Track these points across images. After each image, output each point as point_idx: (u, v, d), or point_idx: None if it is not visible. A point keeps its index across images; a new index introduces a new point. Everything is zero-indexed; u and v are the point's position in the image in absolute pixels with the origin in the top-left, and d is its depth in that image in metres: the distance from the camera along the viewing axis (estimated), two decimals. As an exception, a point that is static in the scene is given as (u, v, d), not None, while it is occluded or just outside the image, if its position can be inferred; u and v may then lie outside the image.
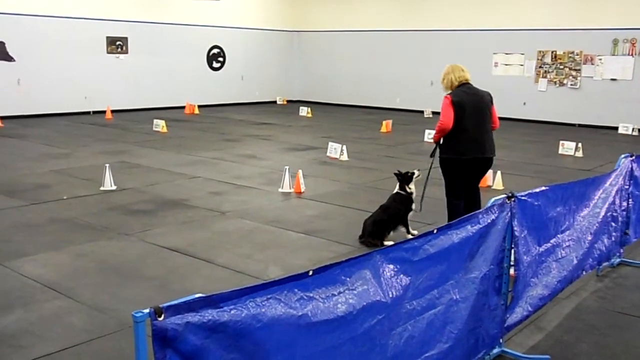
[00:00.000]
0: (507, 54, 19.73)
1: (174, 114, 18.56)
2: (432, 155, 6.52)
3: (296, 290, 2.61)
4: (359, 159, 11.54)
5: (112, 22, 18.54)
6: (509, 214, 3.90)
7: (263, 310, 2.44)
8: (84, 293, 5.04)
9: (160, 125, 14.96)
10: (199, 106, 20.04)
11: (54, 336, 4.27)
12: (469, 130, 6.02)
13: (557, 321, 4.68)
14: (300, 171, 8.99)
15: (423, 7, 21.27)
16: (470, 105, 6.04)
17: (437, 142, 6.33)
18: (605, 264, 5.70)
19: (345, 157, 11.39)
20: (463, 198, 6.37)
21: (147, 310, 2.13)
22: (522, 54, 19.44)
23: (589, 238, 5.08)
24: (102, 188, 8.69)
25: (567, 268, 4.73)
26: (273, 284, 2.54)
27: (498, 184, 9.33)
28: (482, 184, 9.39)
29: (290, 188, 8.80)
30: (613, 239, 5.56)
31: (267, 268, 5.65)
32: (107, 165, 8.90)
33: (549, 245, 4.55)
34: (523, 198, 4.05)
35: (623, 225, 5.78)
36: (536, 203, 4.22)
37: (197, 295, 2.27)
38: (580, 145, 12.78)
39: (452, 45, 20.63)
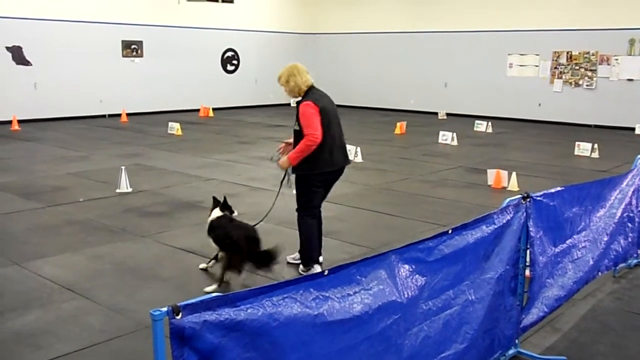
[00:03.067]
0: (521, 54, 19.64)
1: (188, 117, 18.66)
2: (287, 180, 5.84)
3: (312, 289, 2.63)
4: (374, 161, 11.54)
5: (127, 25, 18.68)
6: (524, 214, 3.89)
7: (279, 309, 2.46)
8: (101, 294, 5.08)
9: (175, 128, 15.05)
10: (214, 109, 20.13)
11: (72, 336, 4.32)
12: (336, 137, 5.45)
13: (574, 322, 4.65)
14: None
15: (437, 8, 21.23)
16: (332, 110, 5.48)
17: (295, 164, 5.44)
18: (622, 265, 5.66)
19: (359, 159, 11.40)
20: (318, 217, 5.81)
21: (165, 309, 2.16)
22: (537, 54, 19.34)
23: (605, 239, 5.05)
24: (118, 190, 8.76)
25: (582, 269, 4.71)
26: (289, 283, 2.56)
27: (513, 185, 9.28)
28: (496, 184, 9.46)
29: (304, 190, 8.80)
30: (630, 239, 5.52)
31: (283, 270, 5.67)
32: (123, 167, 8.97)
33: (564, 246, 4.53)
34: (538, 198, 4.03)
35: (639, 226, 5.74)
36: (552, 203, 4.20)
37: (214, 294, 2.30)
38: (596, 146, 12.69)
39: (466, 46, 20.60)
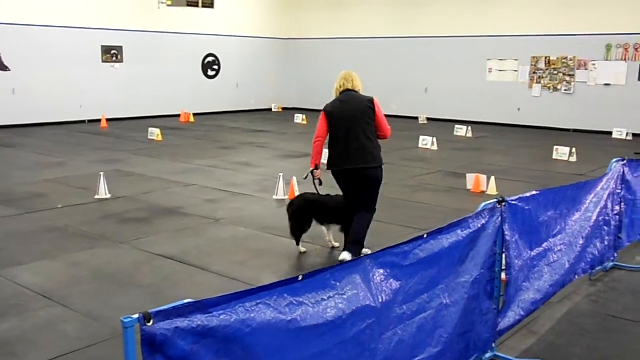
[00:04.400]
0: (501, 60, 19.82)
1: (169, 122, 18.59)
2: (306, 177, 6.29)
3: (286, 295, 2.63)
4: (354, 166, 11.55)
5: (107, 31, 18.58)
6: (500, 218, 3.93)
7: (252, 315, 2.46)
8: (78, 301, 5.04)
9: (155, 133, 14.98)
10: (195, 114, 20.07)
11: (47, 344, 4.28)
12: (340, 140, 5.82)
13: (550, 325, 4.69)
14: (294, 178, 9.01)
15: (417, 13, 21.37)
16: (339, 114, 5.84)
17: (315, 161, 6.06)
18: (598, 267, 5.72)
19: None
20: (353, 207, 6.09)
21: (136, 316, 2.15)
22: (516, 59, 19.53)
23: (581, 242, 5.10)
24: (96, 196, 8.70)
25: (559, 272, 4.76)
26: (262, 289, 2.56)
27: (492, 189, 9.36)
28: (475, 189, 9.52)
29: (284, 195, 8.82)
30: (606, 243, 5.59)
31: (262, 274, 5.67)
32: (102, 173, 8.91)
33: (540, 249, 4.58)
34: (514, 202, 4.07)
35: (616, 229, 5.81)
36: (527, 207, 4.24)
37: (186, 301, 2.29)
38: (574, 150, 12.83)
39: (446, 51, 20.75)
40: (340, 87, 6.03)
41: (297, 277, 2.68)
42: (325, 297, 2.81)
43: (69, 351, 4.16)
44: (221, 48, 22.00)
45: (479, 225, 3.76)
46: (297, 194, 8.75)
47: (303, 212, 6.29)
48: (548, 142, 14.71)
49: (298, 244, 6.42)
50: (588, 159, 12.86)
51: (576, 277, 5.12)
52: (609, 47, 17.85)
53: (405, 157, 12.86)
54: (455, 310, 3.64)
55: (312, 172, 6.11)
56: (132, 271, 5.79)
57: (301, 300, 2.69)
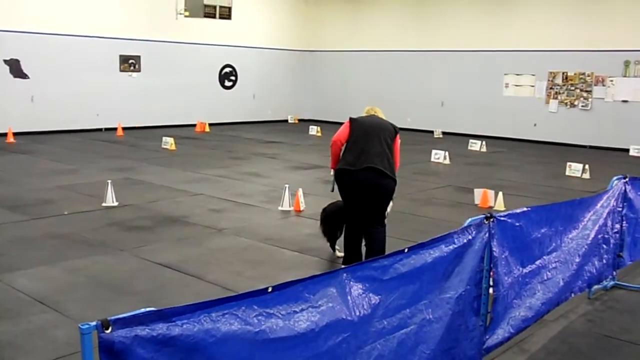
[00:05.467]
0: (517, 74, 19.72)
1: (184, 132, 18.74)
2: (333, 189, 6.32)
3: (255, 306, 2.63)
4: (363, 178, 11.54)
5: (125, 40, 18.81)
6: (487, 234, 3.89)
7: (217, 325, 2.46)
8: (72, 307, 5.08)
9: (169, 142, 15.10)
10: (210, 124, 20.21)
11: (36, 349, 4.31)
12: (359, 142, 5.84)
13: (542, 343, 4.63)
14: (300, 189, 9.02)
15: (435, 27, 21.36)
16: (367, 123, 5.96)
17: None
18: (597, 286, 5.65)
19: (349, 176, 11.40)
20: (357, 225, 6.02)
21: (94, 323, 2.16)
22: (533, 74, 19.41)
23: (577, 260, 5.03)
24: (103, 204, 8.77)
25: (552, 290, 4.69)
26: (230, 299, 2.56)
27: (499, 204, 9.28)
28: (483, 204, 9.45)
29: (290, 206, 8.83)
30: (604, 261, 5.50)
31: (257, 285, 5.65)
32: (109, 181, 8.99)
33: (533, 266, 4.52)
34: (502, 219, 4.04)
35: (616, 247, 5.72)
36: (517, 224, 4.20)
37: (148, 309, 2.30)
38: (587, 166, 12.70)
39: (463, 65, 20.69)
40: (366, 113, 6.30)
41: (267, 288, 2.67)
42: (297, 310, 2.80)
43: (56, 357, 4.19)
44: (238, 59, 22.16)
45: (465, 241, 3.73)
46: (302, 205, 8.79)
47: (334, 217, 6.44)
48: (562, 159, 14.57)
49: (333, 250, 6.63)
50: (601, 175, 12.69)
51: (572, 295, 5.04)
52: (627, 64, 17.68)
53: (416, 170, 12.81)
54: (439, 326, 3.61)
55: (334, 175, 6.09)
56: (128, 279, 5.82)
57: (271, 312, 2.69)
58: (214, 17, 19.84)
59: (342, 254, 6.39)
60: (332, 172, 6.16)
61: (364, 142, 5.83)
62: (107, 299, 5.30)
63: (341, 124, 6.09)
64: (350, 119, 6.03)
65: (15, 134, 15.92)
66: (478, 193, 9.70)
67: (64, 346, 4.36)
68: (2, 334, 4.55)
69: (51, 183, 10.34)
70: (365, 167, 5.74)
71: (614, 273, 5.80)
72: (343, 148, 6.00)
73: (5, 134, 15.83)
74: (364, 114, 6.27)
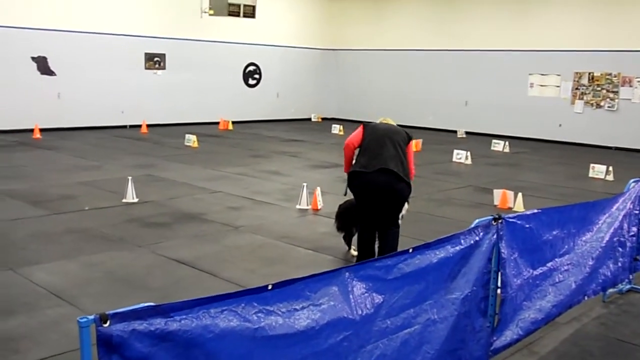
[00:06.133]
0: (543, 74, 19.49)
1: (207, 130, 18.88)
2: (346, 193, 6.35)
3: (255, 303, 2.66)
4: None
5: (150, 38, 19.02)
6: (495, 235, 3.88)
7: (216, 321, 2.49)
8: (87, 301, 5.18)
9: (191, 140, 15.23)
10: (234, 122, 20.32)
11: (49, 342, 4.41)
12: (372, 146, 5.86)
13: (552, 346, 4.60)
14: (318, 188, 9.05)
15: (459, 27, 21.21)
16: (381, 128, 6.01)
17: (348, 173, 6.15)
18: (612, 290, 5.58)
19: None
20: (370, 227, 6.07)
21: (92, 317, 2.21)
22: (559, 75, 19.17)
23: (591, 263, 4.99)
24: (124, 200, 8.89)
25: (564, 292, 4.66)
26: (230, 296, 2.60)
27: (519, 206, 9.21)
28: (502, 205, 9.39)
29: (307, 205, 8.86)
30: (619, 264, 5.44)
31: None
32: (130, 178, 9.11)
33: (544, 268, 4.49)
34: (512, 220, 4.02)
35: (632, 250, 5.65)
36: (527, 226, 4.18)
37: (146, 304, 2.35)
38: (610, 168, 12.53)
39: (487, 65, 20.52)
40: (379, 121, 6.30)
41: (267, 285, 2.70)
42: (298, 307, 2.83)
43: (69, 349, 4.27)
44: (262, 57, 22.25)
45: (472, 242, 3.73)
46: (320, 204, 8.82)
47: (349, 213, 6.44)
48: (586, 160, 14.37)
49: (349, 247, 6.65)
50: (625, 177, 12.44)
51: (586, 298, 5.00)
52: (655, 64, 17.39)
53: (437, 170, 12.75)
54: (444, 326, 3.61)
55: (348, 178, 6.12)
56: (144, 274, 5.91)
57: (271, 309, 2.72)
58: (238, 15, 19.96)
59: (356, 253, 6.41)
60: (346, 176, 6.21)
61: (377, 145, 5.84)
62: (121, 294, 5.38)
63: (364, 122, 6.15)
64: (363, 124, 6.09)
65: (41, 130, 16.19)
66: (497, 194, 9.63)
67: (77, 340, 4.41)
68: (18, 326, 4.66)
69: (74, 179, 10.50)
70: (378, 169, 5.73)
71: (630, 277, 5.72)
72: (356, 152, 6.03)
73: (32, 130, 16.11)
74: (383, 120, 6.33)
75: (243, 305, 2.61)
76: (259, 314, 2.66)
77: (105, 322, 2.22)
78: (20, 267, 5.94)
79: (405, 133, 6.01)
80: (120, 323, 2.25)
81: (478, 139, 19.07)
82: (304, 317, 2.83)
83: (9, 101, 16.35)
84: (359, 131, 6.01)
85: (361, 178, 5.84)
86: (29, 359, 4.15)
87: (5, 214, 7.94)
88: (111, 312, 2.24)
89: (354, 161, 6.05)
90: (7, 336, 4.48)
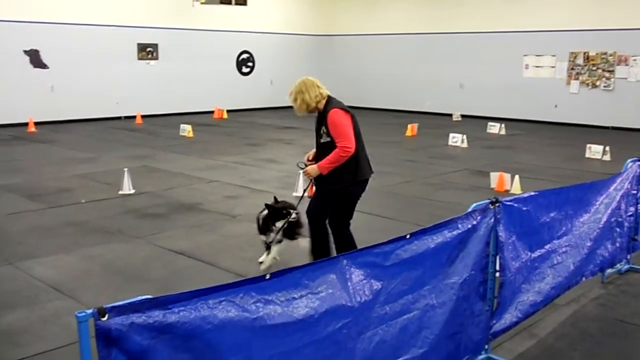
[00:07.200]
0: (538, 55, 19.44)
1: (202, 119, 18.82)
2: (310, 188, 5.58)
3: (253, 293, 2.65)
4: (378, 164, 11.39)
5: (142, 29, 18.92)
6: (493, 219, 3.87)
7: (214, 312, 2.49)
8: (86, 294, 5.18)
9: (186, 130, 15.19)
10: (228, 111, 20.26)
11: (50, 335, 4.41)
12: (362, 144, 5.16)
13: (552, 328, 4.61)
14: (314, 175, 9.02)
15: (452, 10, 21.12)
16: (355, 118, 5.14)
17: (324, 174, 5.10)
18: (610, 270, 5.59)
19: (365, 161, 11.38)
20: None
21: (90, 311, 2.21)
22: (554, 55, 19.13)
23: (589, 244, 4.98)
24: (120, 192, 8.88)
25: (562, 274, 4.66)
26: (228, 286, 2.59)
27: (516, 188, 9.22)
28: (499, 187, 9.39)
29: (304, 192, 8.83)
30: (617, 244, 5.44)
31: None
32: (126, 169, 9.08)
33: (542, 251, 4.49)
34: (509, 203, 4.01)
35: (630, 231, 5.65)
36: (524, 208, 4.17)
37: (144, 297, 2.34)
38: (607, 148, 12.53)
39: (481, 47, 20.47)
40: (318, 94, 5.16)
41: (265, 275, 2.70)
42: (296, 296, 2.82)
43: (69, 342, 4.27)
44: (255, 45, 22.16)
45: (469, 226, 3.71)
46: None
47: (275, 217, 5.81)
48: (583, 140, 14.37)
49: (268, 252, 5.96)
50: (623, 157, 12.42)
51: (583, 279, 5.00)
52: (650, 42, 17.35)
53: (433, 154, 12.74)
54: (443, 311, 3.61)
55: (314, 179, 5.26)
56: (142, 266, 5.90)
57: (270, 298, 2.71)
58: (230, 3, 19.81)
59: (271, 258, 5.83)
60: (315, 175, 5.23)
61: (363, 148, 5.18)
62: (121, 286, 5.38)
63: (359, 108, 5.83)
64: (351, 115, 5.08)
65: (36, 124, 16.13)
66: (494, 177, 9.63)
67: (77, 333, 4.43)
68: (19, 320, 4.66)
69: (70, 172, 10.48)
70: (368, 177, 5.28)
71: (629, 257, 5.75)
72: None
73: (26, 124, 16.06)
74: (321, 94, 5.18)
75: (241, 295, 2.61)
76: (258, 304, 2.66)
77: (104, 316, 2.21)
78: (19, 261, 5.94)
79: None
80: (118, 316, 2.24)
81: (474, 122, 19.05)
82: (302, 306, 2.82)
83: (2, 95, 16.29)
84: (349, 125, 5.02)
85: (364, 185, 5.31)
86: (30, 353, 4.15)
87: (2, 209, 7.92)
88: (109, 305, 2.23)
89: (353, 164, 5.11)
90: (8, 330, 4.49)
